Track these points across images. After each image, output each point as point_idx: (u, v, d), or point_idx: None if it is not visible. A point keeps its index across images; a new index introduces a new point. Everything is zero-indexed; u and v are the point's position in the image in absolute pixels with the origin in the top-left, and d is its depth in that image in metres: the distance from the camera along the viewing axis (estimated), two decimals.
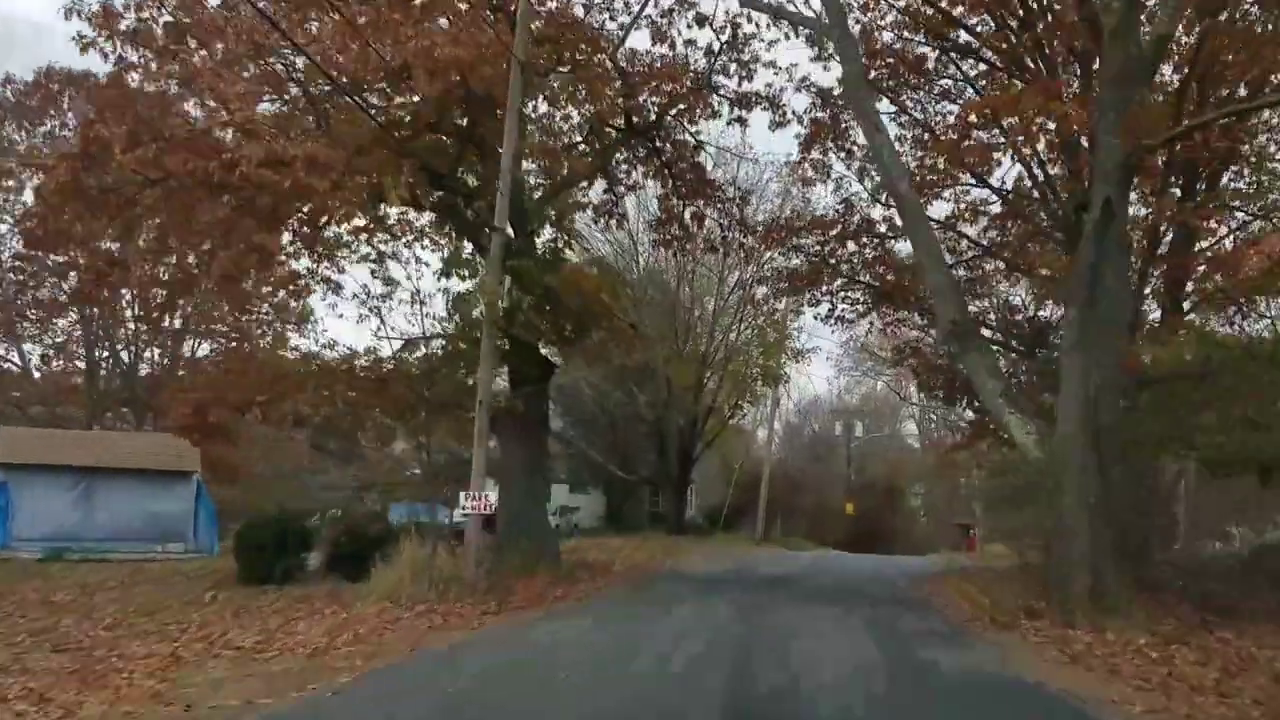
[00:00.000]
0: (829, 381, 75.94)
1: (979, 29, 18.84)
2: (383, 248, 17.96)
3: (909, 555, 47.46)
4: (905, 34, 19.43)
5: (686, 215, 20.21)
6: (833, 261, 22.40)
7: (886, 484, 61.99)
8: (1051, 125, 16.02)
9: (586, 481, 42.27)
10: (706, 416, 33.29)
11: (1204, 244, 19.21)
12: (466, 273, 15.54)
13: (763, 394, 34.70)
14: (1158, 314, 20.22)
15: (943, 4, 18.09)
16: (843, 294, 23.39)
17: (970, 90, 20.12)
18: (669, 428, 32.19)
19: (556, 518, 34.16)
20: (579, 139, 18.51)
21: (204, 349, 37.14)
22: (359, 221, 16.44)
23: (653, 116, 18.07)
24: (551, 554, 16.82)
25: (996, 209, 21.84)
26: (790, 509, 53.83)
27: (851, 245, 22.29)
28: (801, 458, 68.16)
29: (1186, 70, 16.72)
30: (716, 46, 17.88)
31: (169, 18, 13.39)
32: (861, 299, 23.66)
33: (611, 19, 17.72)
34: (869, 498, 59.35)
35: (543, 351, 17.16)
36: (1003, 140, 18.89)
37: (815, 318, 19.39)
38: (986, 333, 22.61)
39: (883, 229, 22.01)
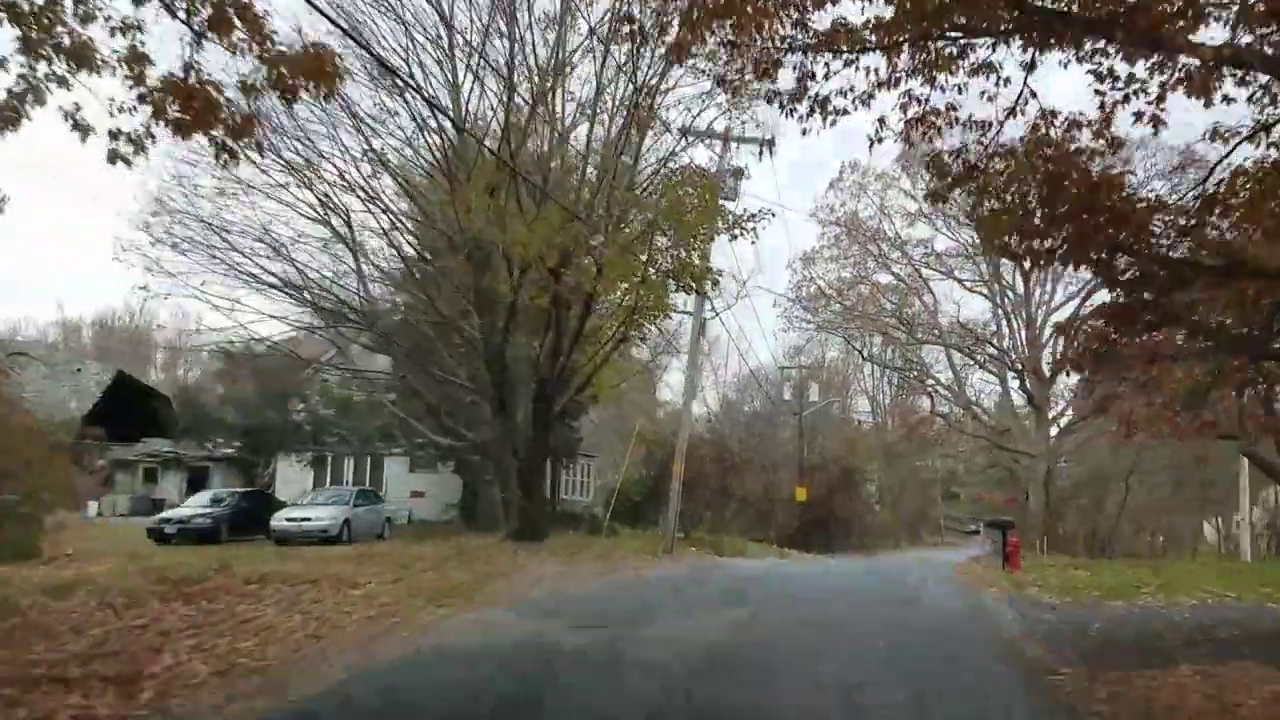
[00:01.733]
0: (775, 337, 63.78)
1: None
2: None
3: (890, 556, 36.23)
4: None
5: None
6: None
7: (841, 465, 50.65)
8: None
9: (436, 457, 29.69)
10: (577, 340, 19.22)
11: None
12: None
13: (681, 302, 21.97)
14: None
15: None
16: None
17: None
18: (507, 359, 19.73)
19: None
20: None
21: None
22: None
23: None
24: None
25: None
26: (725, 496, 41.97)
27: None
28: (742, 437, 56.90)
29: None
30: None
31: None
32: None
33: None
34: (821, 481, 47.99)
35: None
36: None
37: (781, 110, 8.07)
38: None
39: None
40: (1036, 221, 11.02)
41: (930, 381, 45.63)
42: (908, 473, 73.74)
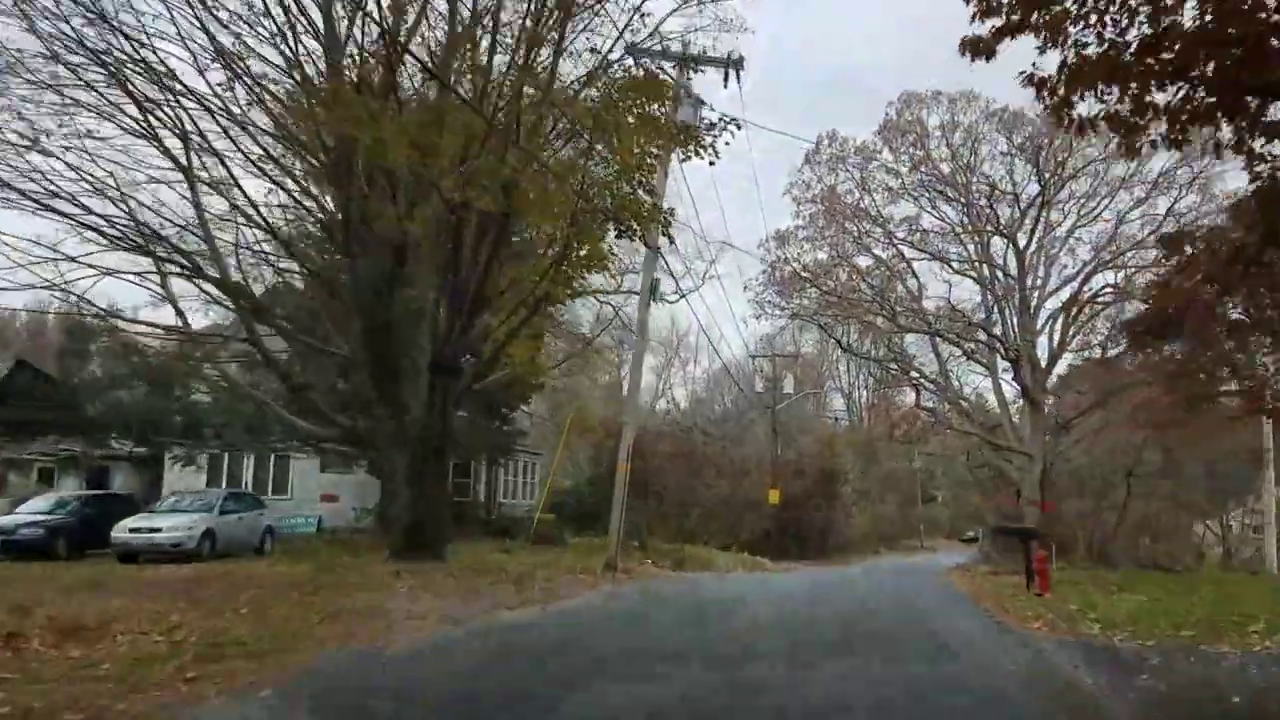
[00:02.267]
0: (745, 323, 59.73)
1: None
2: None
3: (873, 563, 32.45)
4: None
5: None
6: None
7: (819, 465, 46.90)
8: None
9: (353, 456, 25.37)
10: (484, 289, 14.35)
11: None
12: None
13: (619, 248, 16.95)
14: None
15: None
16: None
17: None
18: (393, 317, 15.02)
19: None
20: None
21: None
22: None
23: None
24: None
25: None
26: (688, 499, 38.03)
27: None
28: (709, 432, 53.10)
29: None
30: None
31: None
32: None
33: None
34: (796, 483, 44.23)
35: None
36: None
37: None
38: None
39: None
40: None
41: (914, 374, 41.86)
42: (886, 474, 70.19)
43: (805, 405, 73.81)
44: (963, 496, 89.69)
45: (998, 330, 37.86)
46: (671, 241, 17.58)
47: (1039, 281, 38.48)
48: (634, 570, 18.24)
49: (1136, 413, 38.69)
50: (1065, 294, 38.04)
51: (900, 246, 39.93)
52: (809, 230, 41.76)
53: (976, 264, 39.14)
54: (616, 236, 14.15)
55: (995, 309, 37.74)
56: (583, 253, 13.76)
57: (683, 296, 33.95)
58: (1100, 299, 37.21)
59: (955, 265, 38.75)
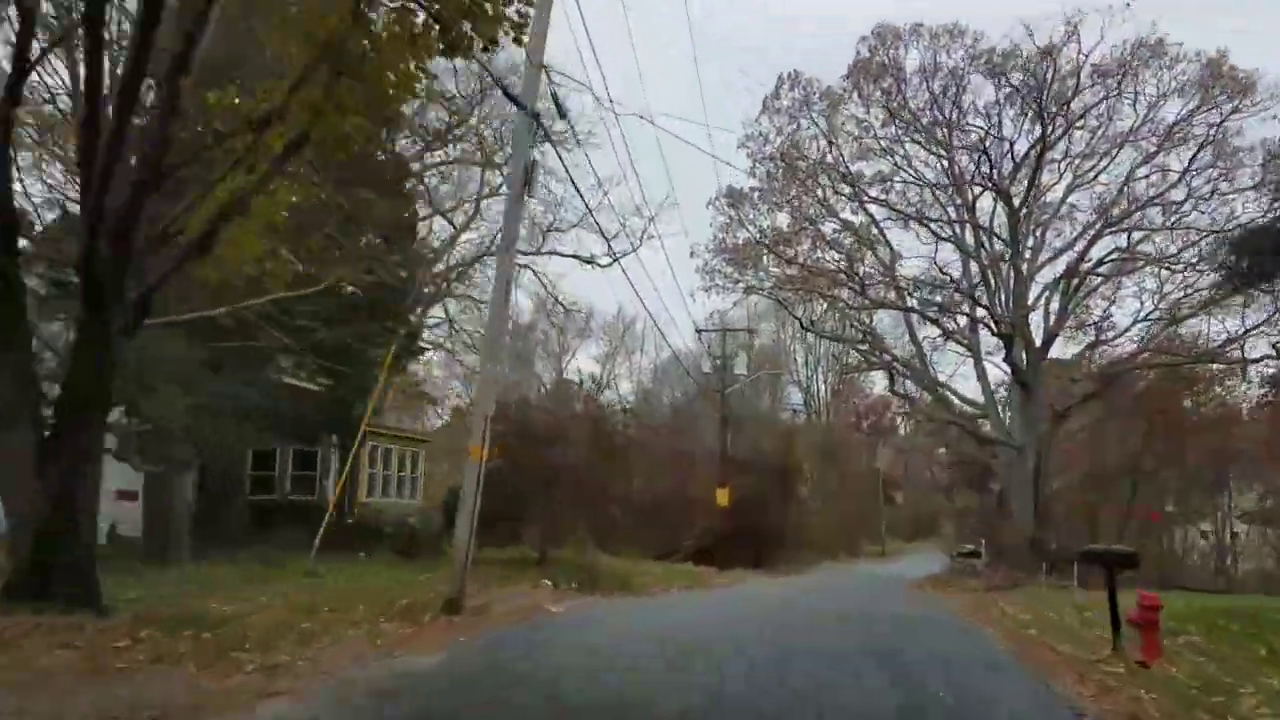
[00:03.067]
0: (692, 297, 53.87)
1: None
2: None
3: (838, 573, 26.69)
4: None
5: None
6: None
7: (776, 463, 41.16)
8: None
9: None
10: (130, 110, 6.82)
11: None
12: None
13: None
14: None
15: None
16: None
17: None
18: None
19: None
20: None
21: None
22: None
23: None
24: None
25: None
26: (604, 498, 31.70)
27: None
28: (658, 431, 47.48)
29: None
30: None
31: None
32: None
33: None
34: (749, 482, 38.44)
35: None
36: None
37: None
38: None
39: None
40: None
41: (887, 356, 36.32)
42: (846, 474, 64.75)
43: (760, 398, 68.23)
44: (924, 500, 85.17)
45: (983, 313, 32.47)
46: (558, 104, 11.58)
47: (1031, 250, 33.16)
48: (498, 607, 12.12)
49: (1142, 401, 33.77)
50: (1061, 266, 32.82)
51: (871, 208, 34.41)
52: (767, 189, 36.15)
53: (958, 226, 33.66)
54: (444, 53, 8.10)
55: (982, 281, 32.31)
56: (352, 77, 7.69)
57: (615, 260, 28.12)
58: (1104, 268, 31.91)
59: (935, 227, 33.23)
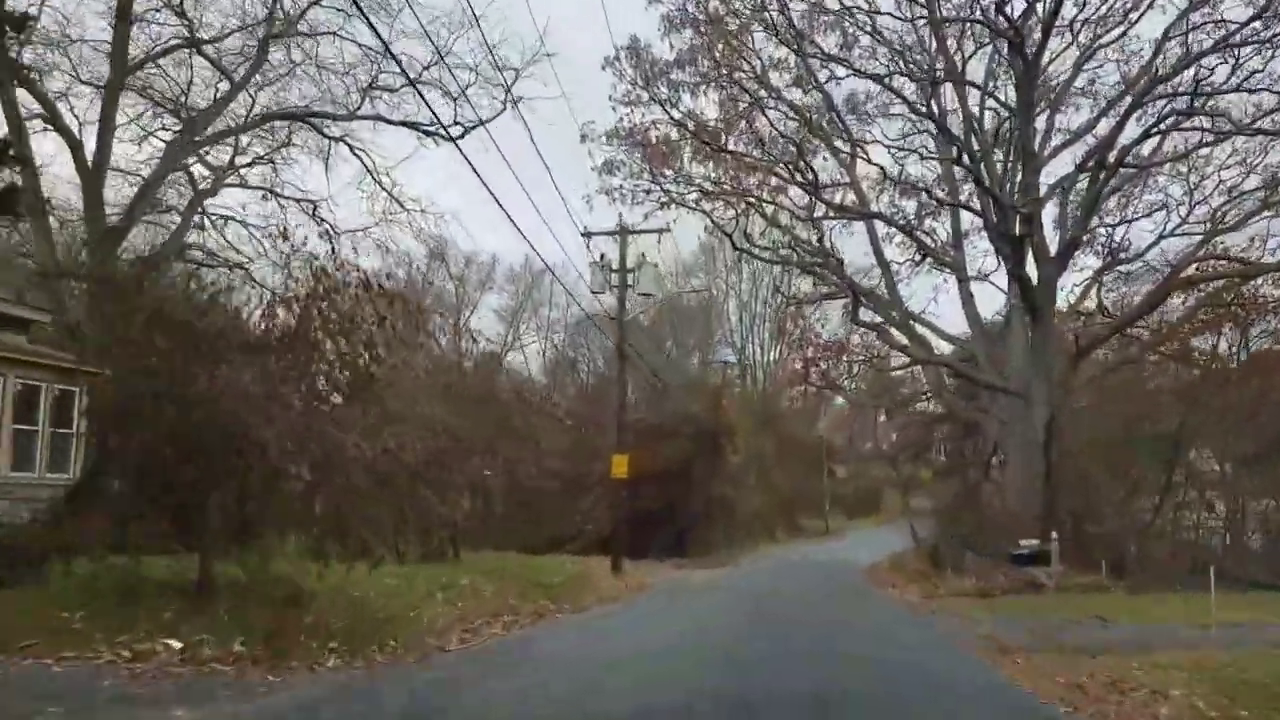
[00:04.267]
0: (587, 203, 43.29)
1: None
2: None
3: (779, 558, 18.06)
4: None
5: None
6: None
7: (706, 425, 32.35)
8: None
9: None
10: None
11: None
12: None
13: None
14: None
15: None
16: None
17: None
18: None
19: None
20: None
21: None
22: None
23: None
24: None
25: None
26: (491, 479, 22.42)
27: None
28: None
29: None
30: None
31: None
32: None
33: None
34: (666, 449, 29.58)
35: None
36: None
37: None
38: None
39: None
40: None
41: (845, 281, 27.40)
42: (784, 439, 56.28)
43: (688, 358, 59.38)
44: (864, 471, 77.55)
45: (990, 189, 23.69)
46: None
47: (1041, 126, 24.59)
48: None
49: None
50: (1080, 151, 24.34)
51: (815, 69, 25.34)
52: (688, 61, 26.93)
53: (932, 71, 24.74)
54: None
55: (980, 165, 23.42)
56: None
57: (456, 137, 18.80)
58: (1145, 146, 23.13)
59: (910, 98, 24.34)
